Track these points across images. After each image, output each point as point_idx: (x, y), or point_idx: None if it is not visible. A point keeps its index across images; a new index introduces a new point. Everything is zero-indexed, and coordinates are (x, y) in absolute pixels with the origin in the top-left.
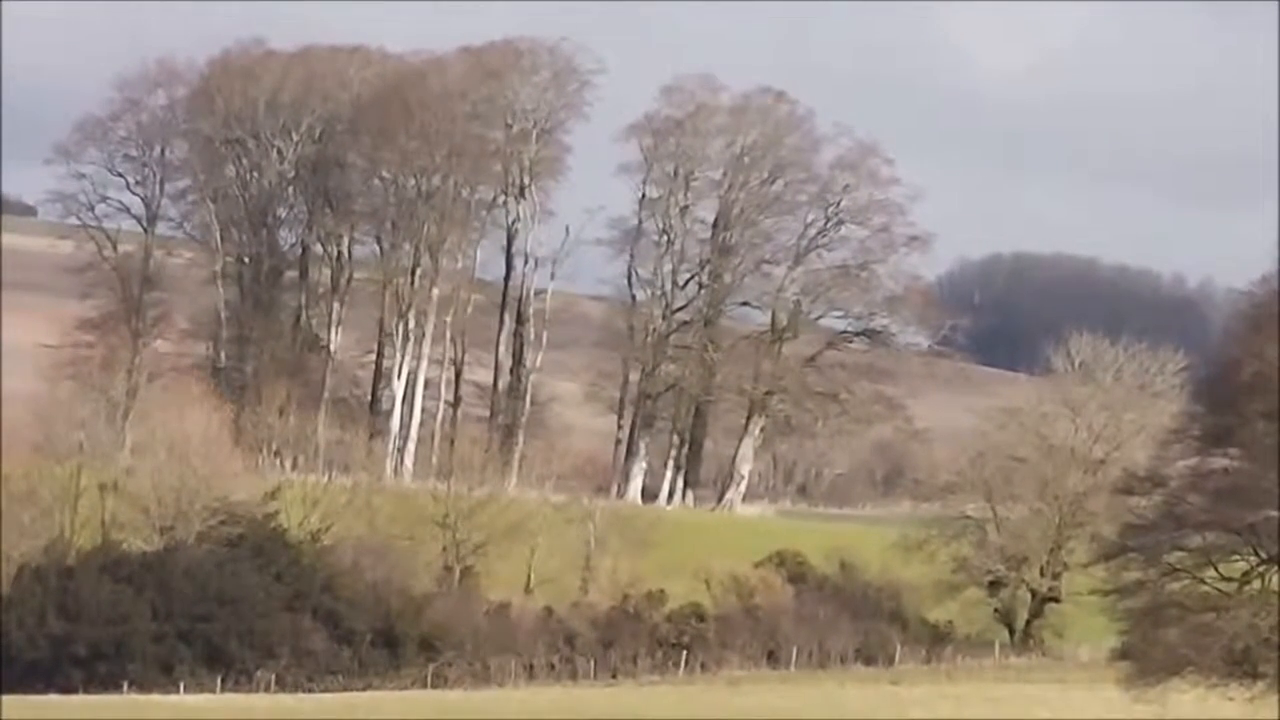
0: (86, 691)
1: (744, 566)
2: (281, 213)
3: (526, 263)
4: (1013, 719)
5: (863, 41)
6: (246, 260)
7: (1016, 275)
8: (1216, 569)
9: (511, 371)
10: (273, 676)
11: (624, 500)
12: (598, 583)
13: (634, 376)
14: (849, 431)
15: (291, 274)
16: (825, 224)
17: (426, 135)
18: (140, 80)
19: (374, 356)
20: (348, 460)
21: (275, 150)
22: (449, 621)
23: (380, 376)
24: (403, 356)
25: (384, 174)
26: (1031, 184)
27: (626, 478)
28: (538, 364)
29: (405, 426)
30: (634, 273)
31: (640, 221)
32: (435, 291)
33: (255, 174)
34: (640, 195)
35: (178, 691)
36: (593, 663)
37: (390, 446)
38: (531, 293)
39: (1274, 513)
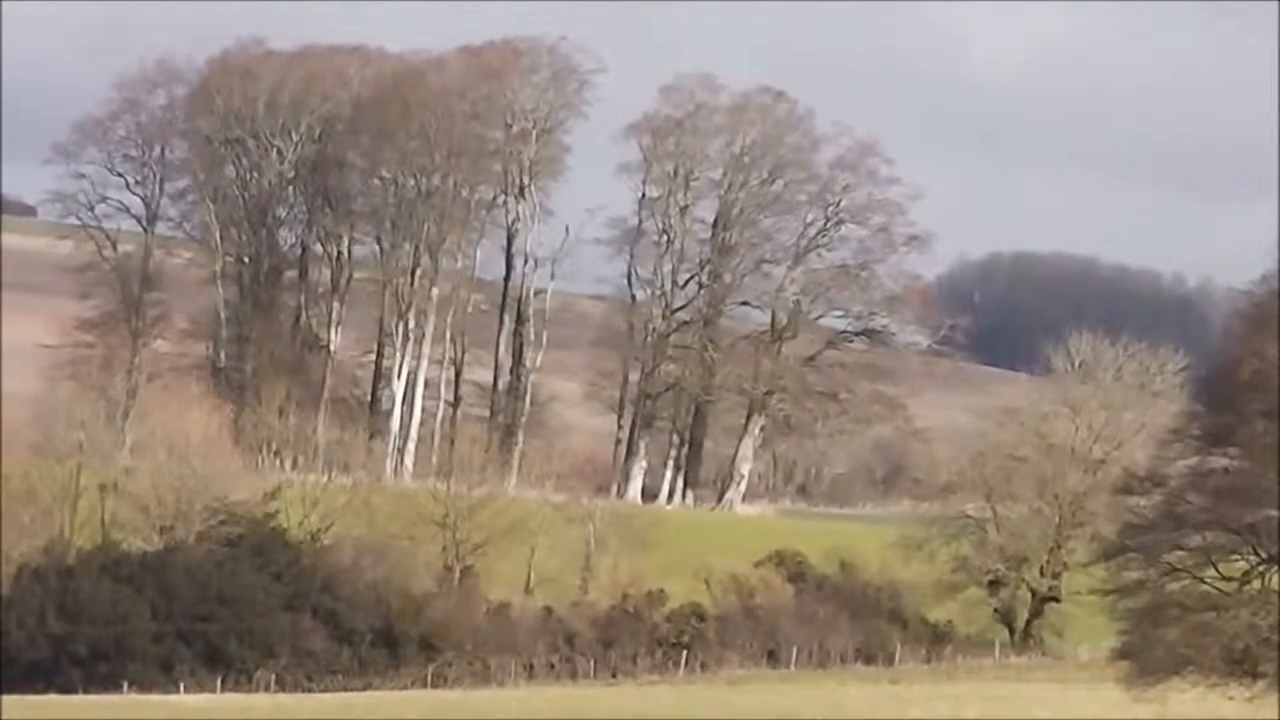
0: (86, 691)
1: (744, 566)
2: (281, 213)
3: (526, 262)
4: (1012, 719)
5: (862, 40)
6: (246, 260)
7: (1016, 274)
8: (1216, 568)
9: (511, 371)
10: (273, 676)
11: (624, 500)
12: (598, 582)
13: (634, 376)
14: (849, 431)
15: (291, 274)
16: (825, 224)
17: (426, 135)
18: (140, 80)
19: (374, 356)
20: (347, 460)
21: (275, 150)
22: (449, 621)
23: (380, 376)
24: (403, 356)
25: (384, 174)
26: (1030, 181)
27: (626, 477)
28: (538, 364)
29: (405, 426)
30: (634, 272)
31: (640, 221)
32: (435, 291)
33: (255, 174)
34: (640, 195)
35: (178, 691)
36: (593, 662)
37: (390, 446)
38: (531, 292)
39: (1274, 512)
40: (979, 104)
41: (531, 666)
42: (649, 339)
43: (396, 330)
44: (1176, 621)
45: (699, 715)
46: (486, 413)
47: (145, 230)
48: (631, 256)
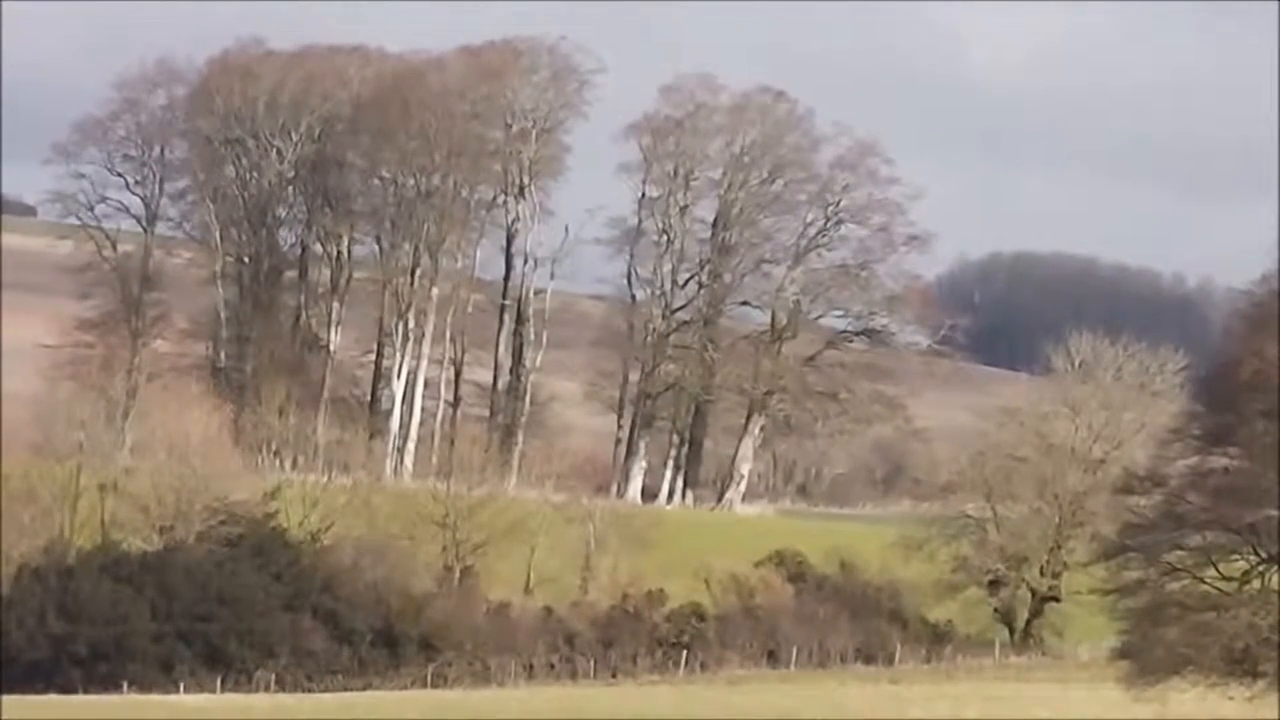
0: (86, 691)
1: (744, 566)
2: (281, 212)
3: (526, 262)
4: (1012, 718)
5: (862, 40)
6: (246, 260)
7: (1016, 274)
8: (1216, 568)
9: (511, 371)
10: (272, 676)
11: (624, 500)
12: (598, 582)
13: (634, 376)
14: (849, 431)
15: (291, 274)
16: (825, 223)
17: (426, 135)
18: (139, 80)
19: (374, 356)
20: (347, 460)
21: (275, 150)
22: (449, 621)
23: (380, 376)
24: (402, 356)
25: (383, 174)
26: (1030, 181)
27: (626, 477)
28: (537, 364)
29: (405, 426)
30: (634, 272)
31: (640, 221)
32: (435, 291)
33: (255, 174)
34: (640, 195)
35: (178, 691)
36: (593, 662)
37: (390, 446)
38: (531, 292)
39: (1274, 512)
40: (979, 104)
41: (531, 666)
42: (649, 339)
43: (396, 330)
44: (1176, 621)
45: (699, 715)
46: (486, 413)
47: (145, 230)
48: (631, 256)
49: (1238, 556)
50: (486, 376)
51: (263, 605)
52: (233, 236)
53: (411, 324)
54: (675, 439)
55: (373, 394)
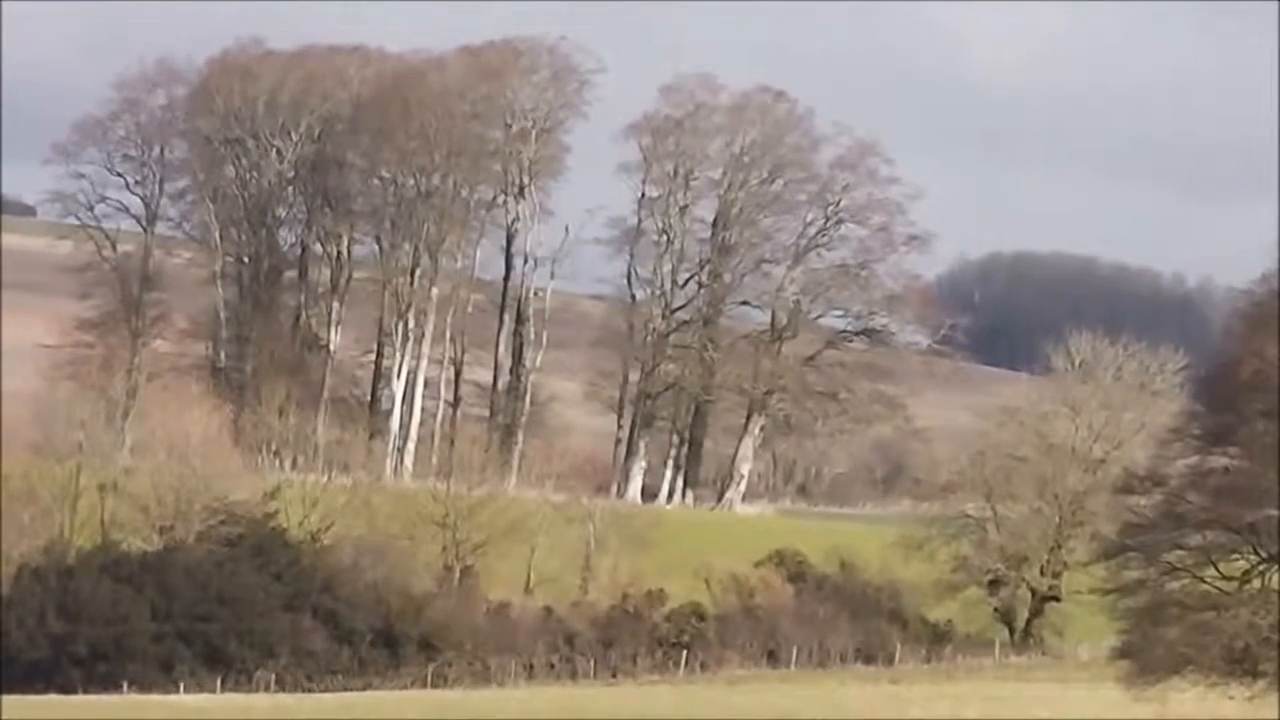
0: (86, 691)
1: (744, 566)
2: (281, 212)
3: (526, 262)
4: (1012, 718)
5: (862, 40)
6: (246, 260)
7: (1016, 274)
8: (1216, 568)
9: (511, 371)
10: (272, 676)
11: (624, 500)
12: (598, 582)
13: (634, 376)
14: (849, 431)
15: (291, 274)
16: (825, 223)
17: (426, 135)
18: (139, 80)
19: (374, 356)
20: (347, 460)
21: (274, 150)
22: (449, 621)
23: (380, 376)
24: (402, 356)
25: (383, 173)
26: (1030, 181)
27: (626, 477)
28: (537, 363)
29: (405, 426)
30: (633, 272)
31: (640, 221)
32: (435, 291)
33: (254, 174)
34: (640, 195)
35: (177, 691)
36: (593, 662)
37: (390, 446)
38: (531, 292)
39: (1274, 511)
40: (979, 104)
41: (531, 666)
42: (649, 339)
43: (396, 330)
44: (1176, 621)
45: (699, 715)
46: (486, 413)
47: (145, 230)
48: (631, 256)
49: (1238, 556)
50: (486, 376)
51: (263, 605)
52: (233, 236)
53: (411, 324)
54: (675, 439)
55: (373, 394)
